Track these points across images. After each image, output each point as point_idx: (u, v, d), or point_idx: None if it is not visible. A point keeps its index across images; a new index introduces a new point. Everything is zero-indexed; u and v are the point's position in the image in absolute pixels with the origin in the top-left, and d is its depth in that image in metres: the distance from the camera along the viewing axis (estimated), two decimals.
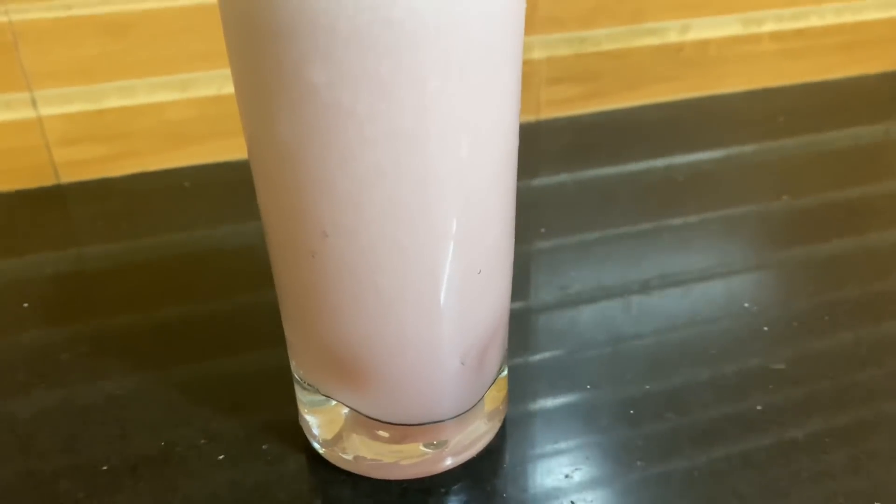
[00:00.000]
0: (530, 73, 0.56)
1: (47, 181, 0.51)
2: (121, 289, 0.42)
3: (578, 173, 0.53)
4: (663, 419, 0.31)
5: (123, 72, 0.49)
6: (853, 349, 0.35)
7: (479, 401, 0.28)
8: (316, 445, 0.29)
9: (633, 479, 0.29)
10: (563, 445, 0.30)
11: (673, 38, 0.57)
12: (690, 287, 0.40)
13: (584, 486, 0.29)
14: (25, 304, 0.39)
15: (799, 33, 0.60)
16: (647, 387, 0.33)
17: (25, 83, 0.48)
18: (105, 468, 0.29)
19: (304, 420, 0.30)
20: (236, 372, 0.34)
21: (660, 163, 0.54)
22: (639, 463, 0.29)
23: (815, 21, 0.60)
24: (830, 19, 0.60)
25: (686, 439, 0.30)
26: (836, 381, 0.33)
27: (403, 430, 0.27)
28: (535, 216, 0.47)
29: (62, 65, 0.48)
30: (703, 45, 0.58)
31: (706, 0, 0.57)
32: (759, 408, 0.31)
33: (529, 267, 0.42)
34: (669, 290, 0.40)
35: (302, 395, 0.29)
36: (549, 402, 0.32)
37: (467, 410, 0.28)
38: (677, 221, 0.46)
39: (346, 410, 0.28)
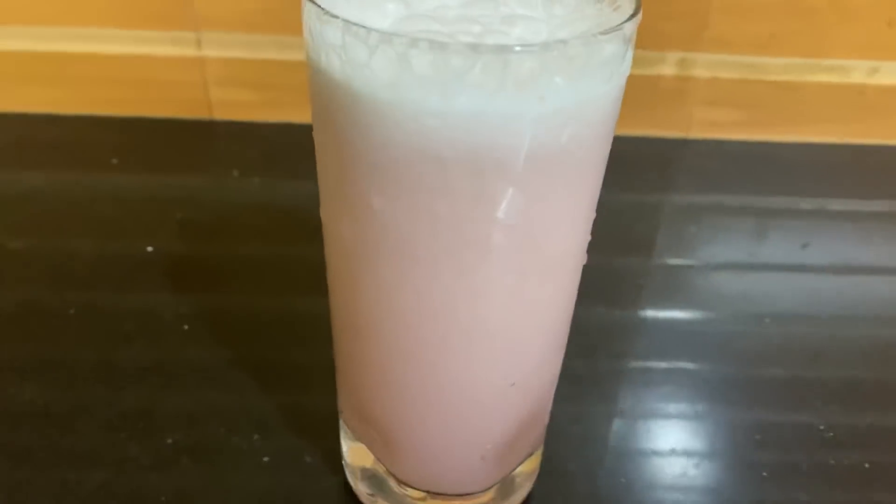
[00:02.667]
0: (686, 90, 0.53)
1: (201, 115, 0.55)
2: (247, 224, 0.47)
3: (713, 198, 0.51)
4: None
5: (283, 27, 0.51)
6: None
7: (503, 478, 0.29)
8: (346, 472, 0.31)
9: None
10: None
11: (857, 78, 0.52)
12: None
13: None
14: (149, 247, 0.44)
15: None
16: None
17: (193, 24, 0.51)
18: (170, 441, 0.33)
19: (343, 445, 0.32)
20: (308, 365, 0.37)
21: (806, 204, 0.51)
22: None
23: None
24: None
25: None
26: None
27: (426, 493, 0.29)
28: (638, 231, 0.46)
29: (229, 12, 0.51)
30: (891, 90, 0.53)
31: None
32: None
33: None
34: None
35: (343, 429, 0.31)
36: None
37: (490, 487, 0.29)
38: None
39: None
